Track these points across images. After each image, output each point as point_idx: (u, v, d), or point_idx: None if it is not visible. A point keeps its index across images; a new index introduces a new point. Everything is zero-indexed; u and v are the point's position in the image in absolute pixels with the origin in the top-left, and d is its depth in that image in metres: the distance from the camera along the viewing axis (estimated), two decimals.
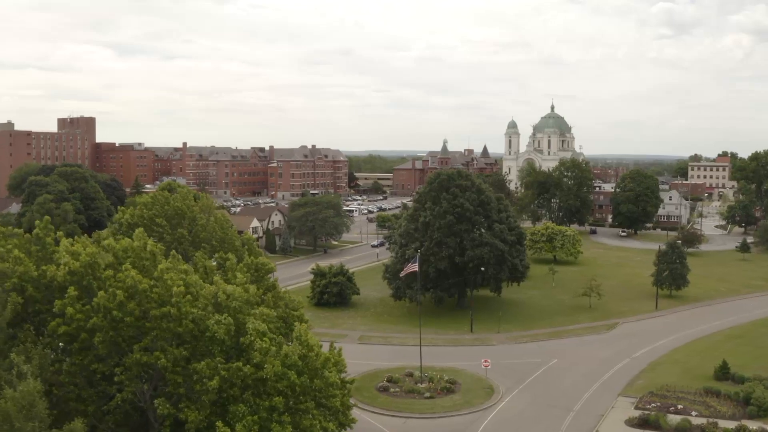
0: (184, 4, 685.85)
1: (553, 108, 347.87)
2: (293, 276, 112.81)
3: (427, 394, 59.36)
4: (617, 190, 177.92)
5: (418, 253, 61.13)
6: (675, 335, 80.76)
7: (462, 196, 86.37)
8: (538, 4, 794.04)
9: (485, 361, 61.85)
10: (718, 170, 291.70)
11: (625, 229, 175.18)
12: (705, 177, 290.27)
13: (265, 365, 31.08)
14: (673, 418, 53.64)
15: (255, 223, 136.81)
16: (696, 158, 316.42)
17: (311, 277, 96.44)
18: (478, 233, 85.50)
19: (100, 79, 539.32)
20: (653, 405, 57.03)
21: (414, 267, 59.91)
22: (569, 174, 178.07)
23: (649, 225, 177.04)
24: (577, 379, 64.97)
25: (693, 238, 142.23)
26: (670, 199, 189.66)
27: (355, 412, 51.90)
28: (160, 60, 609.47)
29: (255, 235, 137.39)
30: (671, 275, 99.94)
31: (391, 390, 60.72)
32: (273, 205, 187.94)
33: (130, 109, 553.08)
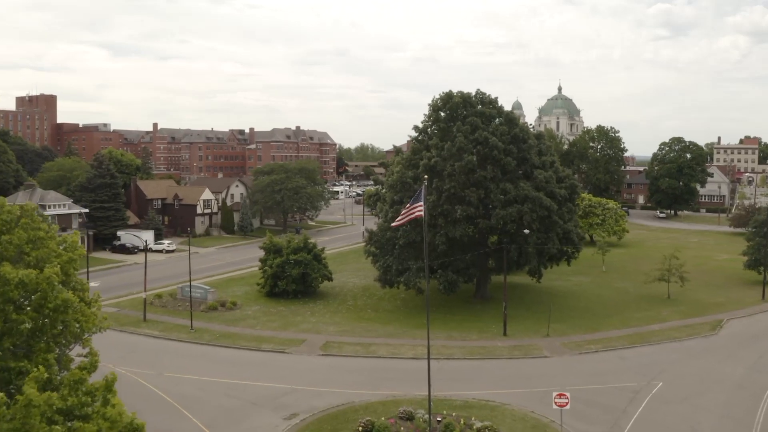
0: (179, 4, 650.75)
1: (560, 89, 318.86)
2: (246, 259, 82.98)
3: None
4: (654, 164, 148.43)
5: (425, 180, 31.09)
6: None
7: (485, 129, 56.60)
8: (534, 5, 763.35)
9: (560, 395, 31.13)
10: (747, 153, 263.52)
11: (664, 210, 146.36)
12: (732, 161, 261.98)
13: None
14: None
15: (207, 194, 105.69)
16: (718, 142, 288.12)
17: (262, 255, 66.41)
18: (512, 184, 55.69)
19: (94, 80, 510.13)
20: None
21: (418, 209, 30.00)
22: (595, 145, 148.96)
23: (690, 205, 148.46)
24: (716, 422, 35.35)
25: None
26: (712, 177, 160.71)
27: None
28: (155, 60, 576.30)
29: (207, 211, 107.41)
30: None
31: None
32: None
33: (124, 110, 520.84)
